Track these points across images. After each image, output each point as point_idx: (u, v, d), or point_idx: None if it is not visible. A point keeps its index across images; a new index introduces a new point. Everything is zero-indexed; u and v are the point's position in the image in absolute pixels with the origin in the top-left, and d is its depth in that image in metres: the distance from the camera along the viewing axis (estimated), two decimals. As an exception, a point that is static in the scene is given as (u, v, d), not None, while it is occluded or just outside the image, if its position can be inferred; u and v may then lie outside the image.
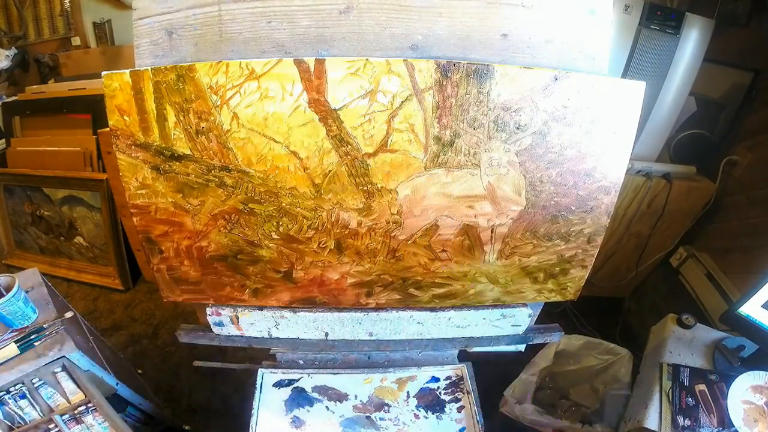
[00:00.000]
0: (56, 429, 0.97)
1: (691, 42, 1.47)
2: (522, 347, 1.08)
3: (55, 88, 2.36)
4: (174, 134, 0.67)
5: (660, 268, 1.92)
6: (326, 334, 0.97)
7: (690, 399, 1.00)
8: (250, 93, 0.65)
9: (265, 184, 0.72)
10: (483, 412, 0.98)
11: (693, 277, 1.74)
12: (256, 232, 0.77)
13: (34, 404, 0.97)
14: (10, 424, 0.95)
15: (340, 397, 1.00)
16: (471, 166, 0.72)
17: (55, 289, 1.21)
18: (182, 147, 0.68)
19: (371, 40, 0.66)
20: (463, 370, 1.06)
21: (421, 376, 1.04)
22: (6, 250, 2.50)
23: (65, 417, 0.98)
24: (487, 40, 0.67)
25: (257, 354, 1.06)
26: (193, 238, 0.78)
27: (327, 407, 0.98)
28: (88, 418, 1.00)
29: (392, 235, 0.78)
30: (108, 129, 0.68)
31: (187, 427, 1.55)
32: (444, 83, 0.65)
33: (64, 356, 0.98)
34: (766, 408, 0.97)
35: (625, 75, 1.48)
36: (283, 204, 0.74)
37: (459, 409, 0.99)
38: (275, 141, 0.68)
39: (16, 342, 0.95)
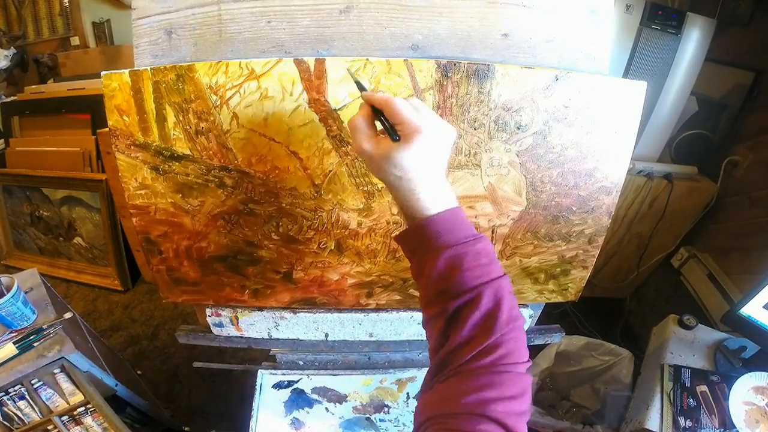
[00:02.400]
0: (55, 430, 0.97)
1: (693, 42, 1.47)
2: (523, 348, 1.07)
3: (54, 88, 2.36)
4: (173, 134, 0.67)
5: (661, 269, 1.92)
6: (326, 335, 0.97)
7: (691, 400, 1.00)
8: (249, 93, 0.64)
9: (265, 185, 0.72)
10: (483, 413, 0.98)
11: (694, 277, 1.74)
12: (256, 233, 0.77)
13: (33, 405, 0.97)
14: (8, 425, 0.95)
15: (340, 398, 0.99)
16: (471, 167, 0.72)
17: (54, 289, 1.21)
18: (182, 147, 0.68)
19: (371, 39, 0.66)
20: (464, 371, 1.06)
21: (421, 377, 1.04)
22: (5, 251, 2.50)
23: (64, 418, 0.98)
24: (488, 40, 0.66)
25: (257, 355, 1.06)
26: (192, 239, 0.78)
27: (326, 408, 0.97)
28: (87, 419, 0.99)
29: (393, 235, 0.78)
30: (107, 129, 0.67)
31: (186, 429, 1.55)
32: (444, 83, 0.65)
33: (63, 357, 0.97)
34: (767, 409, 0.96)
35: (626, 75, 1.48)
36: (283, 204, 0.74)
37: (459, 411, 0.99)
38: (275, 141, 0.68)
39: (15, 343, 0.95)
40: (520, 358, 0.45)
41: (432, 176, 0.48)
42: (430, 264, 0.48)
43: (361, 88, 0.55)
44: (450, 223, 0.48)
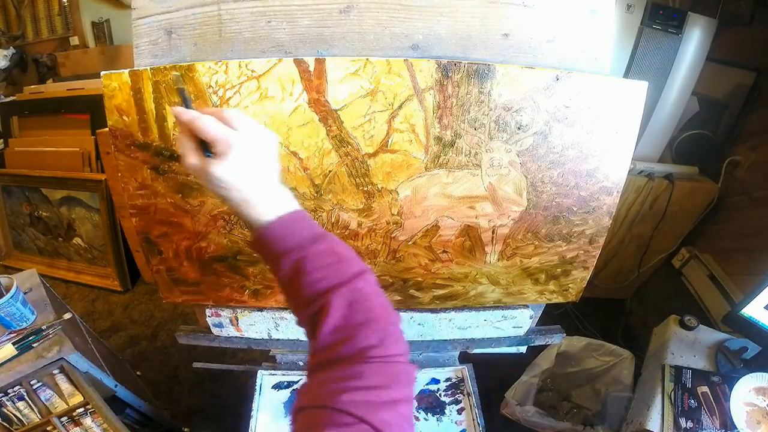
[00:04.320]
0: (55, 431, 0.96)
1: (694, 41, 1.47)
2: (523, 349, 1.07)
3: (53, 88, 2.36)
4: (173, 134, 0.67)
5: (662, 270, 1.92)
6: (326, 336, 0.97)
7: (692, 401, 1.00)
8: (249, 93, 0.64)
9: (265, 185, 0.71)
10: (484, 413, 0.97)
11: (695, 278, 1.73)
12: (256, 233, 0.77)
13: (33, 406, 0.96)
14: (8, 426, 0.95)
15: (340, 399, 0.99)
16: (472, 167, 0.71)
17: (54, 290, 1.21)
18: (181, 147, 0.68)
19: (372, 39, 0.65)
20: (464, 371, 1.05)
21: (421, 378, 1.04)
22: (4, 251, 2.50)
23: (64, 419, 0.98)
24: (488, 40, 0.66)
25: (257, 355, 1.06)
26: (192, 239, 0.77)
27: (327, 409, 0.97)
28: (87, 420, 0.99)
29: (393, 235, 0.78)
30: (107, 129, 0.67)
31: (186, 429, 1.55)
32: (445, 83, 0.65)
33: (62, 358, 0.97)
34: (769, 410, 0.96)
35: (627, 75, 1.47)
36: (283, 205, 0.73)
37: (459, 411, 0.99)
38: (275, 141, 0.67)
39: (14, 343, 0.95)
40: (385, 351, 0.43)
41: (259, 185, 0.47)
42: (278, 273, 0.48)
43: (186, 105, 0.49)
44: (287, 228, 0.47)
